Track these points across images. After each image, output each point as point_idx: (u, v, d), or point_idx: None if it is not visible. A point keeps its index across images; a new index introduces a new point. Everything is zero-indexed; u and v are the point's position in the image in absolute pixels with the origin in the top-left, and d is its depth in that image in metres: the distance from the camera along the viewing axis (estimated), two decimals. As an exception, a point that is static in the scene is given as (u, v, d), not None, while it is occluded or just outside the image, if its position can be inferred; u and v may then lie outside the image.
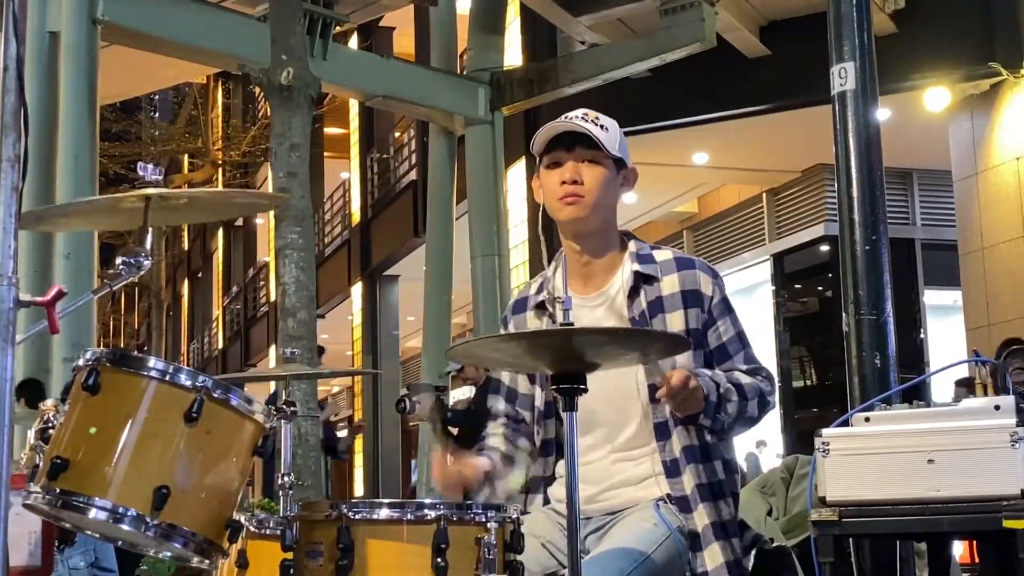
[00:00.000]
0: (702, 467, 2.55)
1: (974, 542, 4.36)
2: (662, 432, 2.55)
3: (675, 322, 2.56)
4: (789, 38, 10.59)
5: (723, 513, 2.55)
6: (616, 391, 2.56)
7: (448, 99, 10.95)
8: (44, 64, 8.09)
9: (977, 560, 4.39)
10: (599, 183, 2.58)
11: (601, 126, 2.58)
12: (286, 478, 3.16)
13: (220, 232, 31.87)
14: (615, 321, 2.59)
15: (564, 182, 2.57)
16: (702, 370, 2.54)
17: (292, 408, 3.45)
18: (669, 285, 2.59)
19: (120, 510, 2.11)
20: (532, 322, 2.70)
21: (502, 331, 2.77)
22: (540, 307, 2.69)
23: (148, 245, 2.37)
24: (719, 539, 2.51)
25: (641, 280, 2.61)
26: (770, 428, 13.12)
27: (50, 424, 2.28)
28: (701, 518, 2.51)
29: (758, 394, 2.60)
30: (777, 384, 12.11)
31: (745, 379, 2.60)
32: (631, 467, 2.58)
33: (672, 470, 2.54)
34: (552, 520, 2.60)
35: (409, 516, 2.15)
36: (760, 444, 13.50)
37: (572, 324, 2.14)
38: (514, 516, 2.22)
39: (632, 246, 2.67)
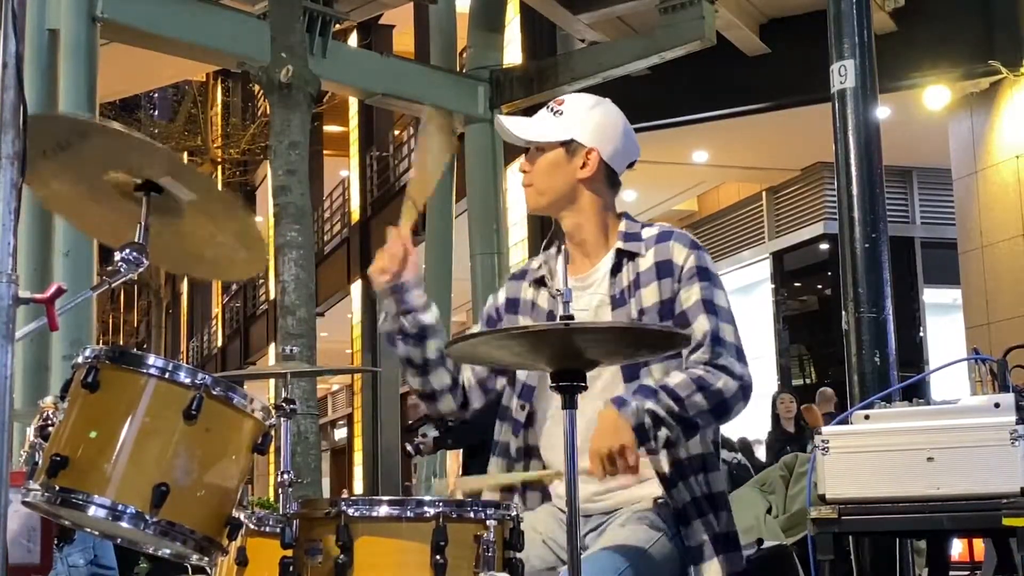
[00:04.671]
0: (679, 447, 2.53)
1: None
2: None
3: (649, 296, 2.55)
4: (789, 36, 10.60)
5: (698, 490, 2.52)
6: (605, 393, 2.55)
7: (448, 97, 10.94)
8: (43, 62, 8.09)
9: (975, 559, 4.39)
10: (541, 168, 2.65)
11: (556, 111, 2.66)
12: (285, 476, 3.17)
13: (220, 230, 31.82)
14: (600, 301, 2.60)
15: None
16: (626, 397, 2.42)
17: (292, 406, 3.46)
18: (647, 260, 2.59)
19: (119, 508, 2.11)
20: (526, 292, 2.74)
21: (491, 298, 2.82)
22: (539, 282, 2.72)
23: (146, 241, 2.36)
24: (700, 516, 2.49)
25: (624, 257, 2.61)
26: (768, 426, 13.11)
27: (49, 421, 2.28)
28: (681, 495, 2.51)
29: (700, 388, 2.44)
30: (776, 382, 11.98)
31: (678, 377, 2.45)
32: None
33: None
34: (554, 516, 2.60)
35: (408, 513, 2.14)
36: (755, 443, 13.47)
37: (572, 317, 2.13)
38: (513, 514, 2.22)
39: (623, 225, 2.67)
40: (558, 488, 2.66)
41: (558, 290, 2.21)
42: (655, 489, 2.54)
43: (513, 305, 2.75)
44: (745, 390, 2.50)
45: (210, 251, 2.52)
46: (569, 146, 2.63)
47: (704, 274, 2.56)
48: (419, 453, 6.87)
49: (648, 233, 2.64)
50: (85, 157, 2.31)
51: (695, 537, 2.48)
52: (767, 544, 2.83)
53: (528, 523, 2.35)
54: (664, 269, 2.57)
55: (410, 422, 7.10)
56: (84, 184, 2.40)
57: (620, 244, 2.62)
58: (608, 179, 2.67)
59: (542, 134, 2.64)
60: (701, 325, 2.50)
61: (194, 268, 2.78)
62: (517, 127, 2.66)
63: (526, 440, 2.67)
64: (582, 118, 2.65)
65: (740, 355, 2.54)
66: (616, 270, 2.61)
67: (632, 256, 2.61)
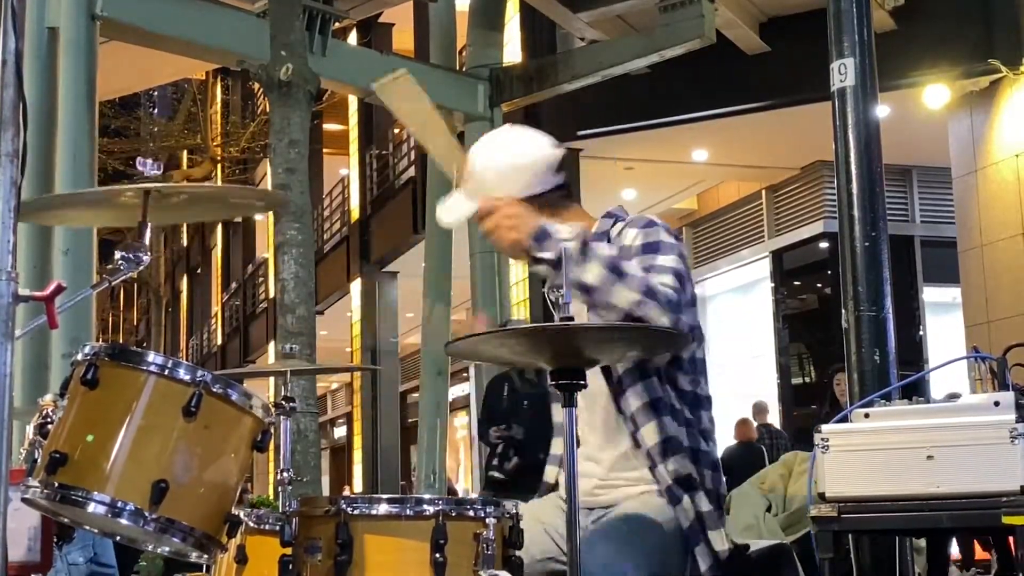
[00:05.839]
0: (657, 422, 2.49)
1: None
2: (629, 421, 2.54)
3: None
4: (789, 35, 10.60)
5: (682, 468, 2.51)
6: (594, 392, 2.54)
7: (447, 95, 10.94)
8: (43, 60, 8.08)
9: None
10: (487, 234, 2.54)
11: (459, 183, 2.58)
12: (285, 474, 3.16)
13: (219, 228, 31.86)
14: (579, 307, 2.59)
15: None
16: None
17: (291, 404, 3.45)
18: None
19: (119, 504, 2.11)
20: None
21: None
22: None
23: (147, 241, 2.36)
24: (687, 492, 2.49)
25: None
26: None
27: (48, 419, 2.27)
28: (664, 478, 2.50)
29: (630, 274, 2.33)
30: (776, 380, 11.90)
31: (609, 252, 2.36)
32: (623, 465, 2.58)
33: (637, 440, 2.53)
34: (558, 507, 2.61)
35: (408, 512, 2.15)
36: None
37: (572, 318, 2.13)
38: (513, 512, 2.23)
39: (596, 226, 2.61)
40: (563, 479, 2.67)
41: (555, 289, 2.19)
42: (653, 484, 2.54)
43: None
44: (657, 300, 2.34)
45: (228, 206, 2.51)
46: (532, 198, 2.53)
47: (657, 246, 2.46)
48: (506, 475, 6.91)
49: (616, 229, 2.58)
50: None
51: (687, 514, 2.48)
52: (767, 542, 2.83)
53: (532, 512, 2.37)
54: None
55: (492, 442, 7.03)
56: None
57: None
58: (547, 203, 2.56)
59: (459, 215, 2.56)
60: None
61: (218, 213, 2.76)
62: (444, 215, 2.60)
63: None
64: (479, 178, 2.55)
65: (671, 291, 2.37)
66: None
67: None
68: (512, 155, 2.57)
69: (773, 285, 13.66)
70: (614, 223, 2.61)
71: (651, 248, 2.46)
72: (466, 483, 20.25)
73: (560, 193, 2.60)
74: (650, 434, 2.49)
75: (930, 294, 12.83)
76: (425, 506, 2.14)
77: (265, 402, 2.30)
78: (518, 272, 12.81)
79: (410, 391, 21.05)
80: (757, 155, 12.91)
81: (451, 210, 2.59)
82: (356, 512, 2.13)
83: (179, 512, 2.13)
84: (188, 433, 2.17)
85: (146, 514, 2.11)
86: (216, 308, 32.78)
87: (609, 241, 2.57)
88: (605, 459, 2.58)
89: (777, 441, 11.77)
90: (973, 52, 9.69)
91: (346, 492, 16.04)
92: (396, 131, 19.64)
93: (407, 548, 2.12)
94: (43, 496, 2.15)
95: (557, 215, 2.54)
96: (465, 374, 17.81)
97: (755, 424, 11.39)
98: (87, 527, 2.38)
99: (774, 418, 13.12)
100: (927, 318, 12.72)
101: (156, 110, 31.91)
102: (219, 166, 26.08)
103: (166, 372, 2.18)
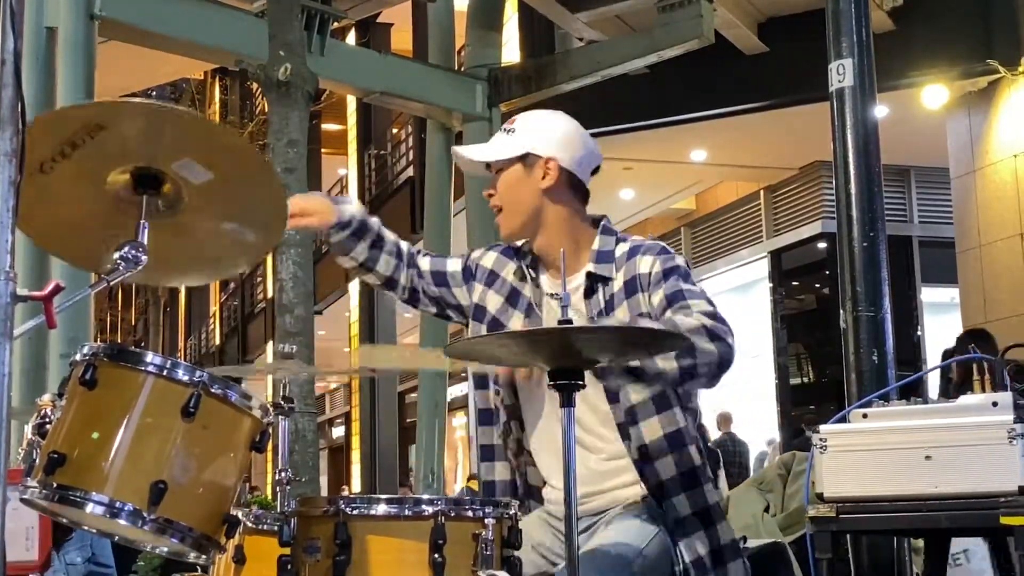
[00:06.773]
0: (672, 457, 2.52)
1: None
2: (625, 433, 2.53)
3: (620, 317, 2.52)
4: (787, 35, 10.60)
5: (701, 499, 2.53)
6: (588, 397, 2.54)
7: (446, 95, 10.94)
8: (42, 59, 8.08)
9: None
10: (505, 186, 2.65)
11: (509, 130, 2.64)
12: (283, 474, 3.16)
13: (217, 228, 31.83)
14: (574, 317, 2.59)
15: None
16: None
17: (290, 404, 3.45)
18: (618, 281, 2.56)
19: (117, 505, 2.11)
20: (509, 273, 2.70)
21: (477, 252, 2.82)
22: (520, 274, 2.68)
23: (145, 240, 2.36)
24: (688, 535, 2.49)
25: (597, 281, 2.57)
26: (768, 425, 13.14)
27: (47, 419, 2.27)
28: (682, 507, 2.51)
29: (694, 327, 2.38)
30: (774, 380, 11.98)
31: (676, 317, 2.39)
32: (614, 468, 2.58)
33: (642, 466, 2.52)
34: (543, 523, 2.60)
35: (407, 512, 2.15)
36: (771, 443, 13.52)
37: (571, 321, 2.13)
38: (512, 512, 2.23)
39: (596, 243, 2.61)
40: (548, 493, 2.66)
41: (556, 294, 2.20)
42: (641, 489, 2.54)
43: (493, 277, 2.72)
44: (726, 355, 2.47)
45: (210, 249, 2.49)
46: (526, 160, 2.60)
47: (669, 273, 2.51)
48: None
49: (620, 250, 2.59)
50: (92, 156, 2.26)
51: (688, 554, 2.48)
52: (764, 541, 2.84)
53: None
54: (631, 286, 2.54)
55: None
56: (79, 203, 2.36)
57: (591, 267, 2.58)
58: (573, 188, 2.63)
59: (497, 153, 2.63)
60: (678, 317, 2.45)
61: (192, 273, 2.72)
62: (472, 152, 2.69)
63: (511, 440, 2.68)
64: (535, 130, 2.63)
65: (716, 319, 2.46)
66: (589, 293, 2.57)
67: (604, 280, 2.57)
68: (580, 130, 2.68)
69: (771, 285, 13.67)
70: (616, 241, 2.61)
71: (673, 274, 2.50)
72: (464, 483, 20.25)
73: (586, 191, 2.66)
74: (652, 430, 2.50)
75: (928, 294, 12.84)
76: (424, 506, 2.14)
77: (264, 403, 2.30)
78: (516, 272, 12.81)
79: (408, 391, 21.05)
80: (755, 155, 12.92)
81: (484, 150, 2.68)
82: (355, 512, 2.13)
83: (177, 512, 2.13)
84: (187, 433, 2.16)
85: (144, 514, 2.10)
86: (214, 308, 32.78)
87: (614, 261, 2.57)
88: (592, 463, 2.58)
89: (738, 447, 12.02)
90: (971, 52, 9.70)
91: (344, 492, 16.03)
92: (395, 131, 19.65)
93: (406, 548, 2.12)
94: (41, 496, 2.14)
95: (578, 207, 2.62)
96: (463, 374, 17.81)
97: (720, 432, 11.80)
98: (85, 527, 2.38)
99: (772, 418, 13.16)
100: (925, 318, 12.73)
101: (154, 110, 31.85)
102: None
103: (165, 372, 2.18)
